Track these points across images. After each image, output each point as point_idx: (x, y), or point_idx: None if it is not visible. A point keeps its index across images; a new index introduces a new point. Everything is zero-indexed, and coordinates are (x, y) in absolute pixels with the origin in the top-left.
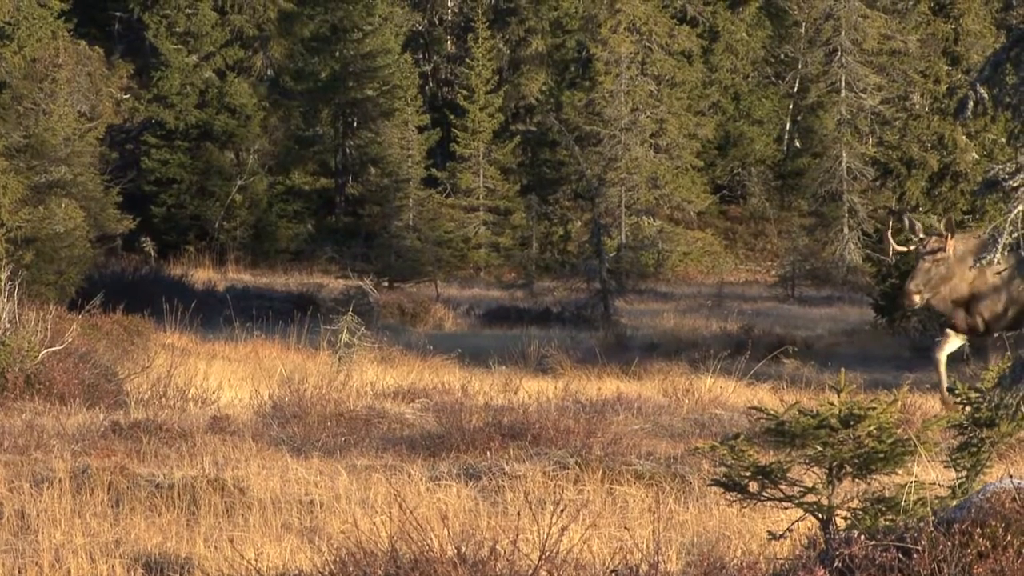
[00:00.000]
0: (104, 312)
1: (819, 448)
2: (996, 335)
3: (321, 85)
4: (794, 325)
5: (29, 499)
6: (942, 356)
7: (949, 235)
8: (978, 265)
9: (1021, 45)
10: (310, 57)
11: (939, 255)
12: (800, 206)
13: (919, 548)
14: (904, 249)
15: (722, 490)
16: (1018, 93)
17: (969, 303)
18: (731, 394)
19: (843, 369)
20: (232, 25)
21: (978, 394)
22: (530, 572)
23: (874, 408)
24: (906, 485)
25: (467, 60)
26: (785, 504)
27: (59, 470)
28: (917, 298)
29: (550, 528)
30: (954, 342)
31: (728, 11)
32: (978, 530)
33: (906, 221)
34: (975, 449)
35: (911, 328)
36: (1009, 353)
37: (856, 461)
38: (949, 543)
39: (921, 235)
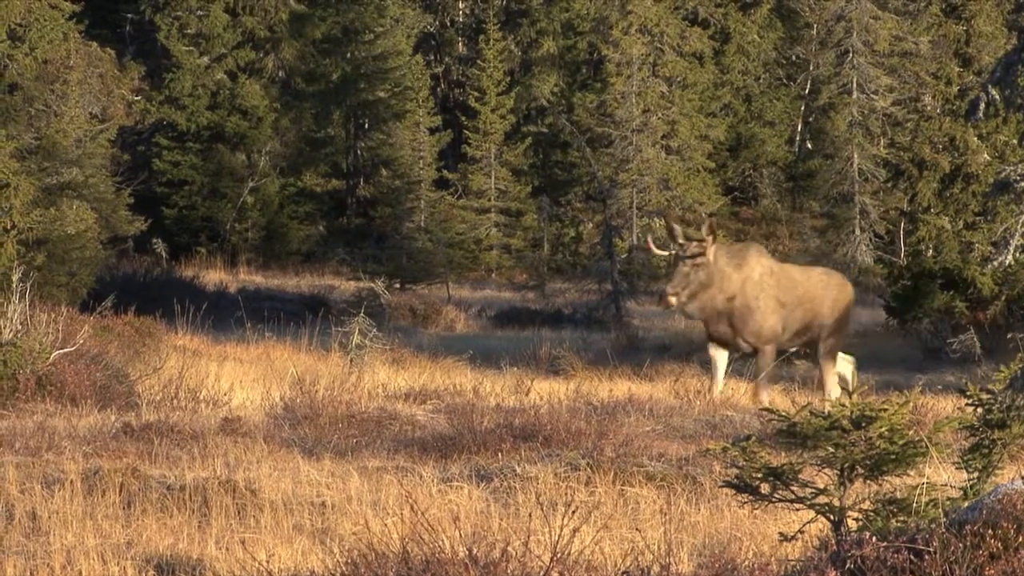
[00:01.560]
0: (116, 314)
1: (831, 449)
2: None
3: (333, 87)
4: None
5: (40, 500)
6: (713, 356)
7: (710, 240)
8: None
9: None
10: (321, 59)
11: (699, 260)
12: (812, 208)
13: (931, 549)
14: (664, 252)
15: (734, 491)
16: None
17: (731, 319)
18: (743, 395)
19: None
20: (244, 27)
21: (990, 395)
22: (541, 574)
23: (886, 409)
24: (918, 487)
25: (478, 62)
26: (797, 505)
27: (70, 472)
28: (673, 299)
29: (562, 530)
30: (722, 354)
31: (740, 13)
32: (990, 531)
33: (672, 227)
34: (987, 451)
35: (923, 330)
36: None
37: (868, 462)
38: (960, 544)
39: (681, 240)
